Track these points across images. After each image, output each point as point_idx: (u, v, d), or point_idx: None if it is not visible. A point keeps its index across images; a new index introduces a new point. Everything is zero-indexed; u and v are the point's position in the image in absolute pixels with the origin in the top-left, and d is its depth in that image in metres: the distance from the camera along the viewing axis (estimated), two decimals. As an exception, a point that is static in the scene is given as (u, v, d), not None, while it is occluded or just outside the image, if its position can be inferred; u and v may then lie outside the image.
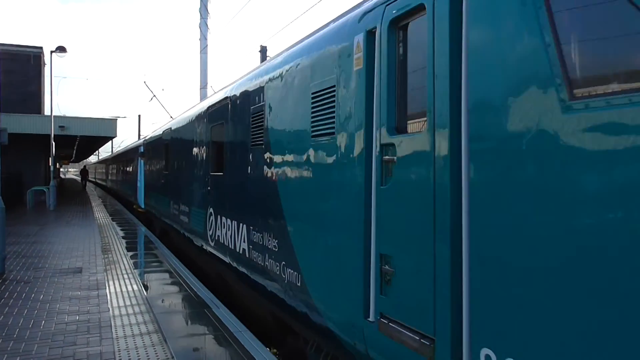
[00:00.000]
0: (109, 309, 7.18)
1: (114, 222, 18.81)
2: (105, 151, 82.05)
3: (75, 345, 5.69)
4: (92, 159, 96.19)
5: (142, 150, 20.64)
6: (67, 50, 25.14)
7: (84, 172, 53.51)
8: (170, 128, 13.93)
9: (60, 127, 27.83)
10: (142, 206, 20.09)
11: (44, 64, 36.89)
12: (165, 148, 14.68)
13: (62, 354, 5.42)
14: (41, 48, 35.68)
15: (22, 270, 9.80)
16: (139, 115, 70.00)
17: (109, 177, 47.58)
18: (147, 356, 5.36)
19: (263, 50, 28.24)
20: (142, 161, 20.55)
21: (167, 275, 9.55)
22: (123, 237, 14.66)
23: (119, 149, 44.20)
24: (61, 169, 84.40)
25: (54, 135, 26.23)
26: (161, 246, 13.13)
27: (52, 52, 24.87)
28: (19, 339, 5.89)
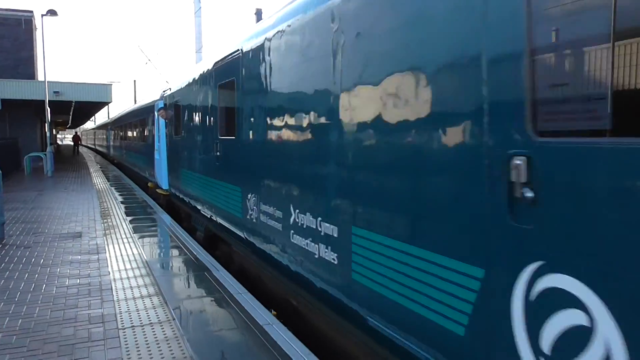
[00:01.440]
0: (109, 272, 7.22)
1: (112, 188, 18.79)
2: (103, 117, 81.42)
3: (76, 308, 5.73)
4: (89, 125, 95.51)
5: (160, 105, 14.15)
6: (58, 13, 24.62)
7: (75, 138, 54.20)
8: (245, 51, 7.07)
9: (55, 92, 27.53)
10: (165, 187, 14.12)
11: (35, 28, 36.19)
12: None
13: (64, 317, 5.47)
14: (32, 12, 34.92)
15: (22, 236, 9.82)
16: (134, 80, 69.32)
17: (112, 145, 38.53)
18: (149, 318, 5.41)
19: (258, 13, 27.73)
20: (161, 123, 14.45)
21: (166, 239, 9.59)
22: (122, 202, 14.66)
23: (122, 110, 32.24)
24: (58, 136, 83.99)
25: (49, 100, 25.94)
26: (160, 211, 13.15)
27: (42, 15, 24.35)
28: (21, 302, 5.93)
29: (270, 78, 5.94)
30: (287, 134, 5.52)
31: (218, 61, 8.30)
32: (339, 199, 4.45)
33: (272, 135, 5.95)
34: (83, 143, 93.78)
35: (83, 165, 31.93)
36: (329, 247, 4.62)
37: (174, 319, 5.36)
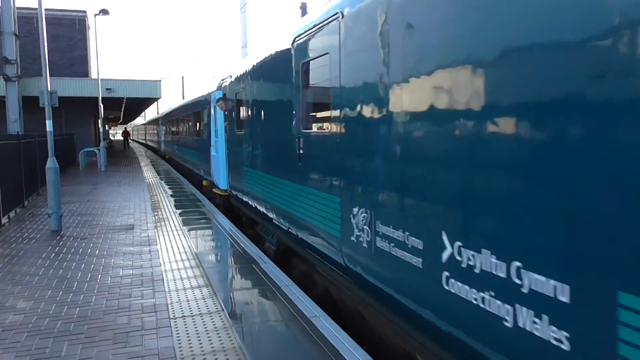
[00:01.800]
0: (160, 263, 7.43)
1: (162, 182, 19.30)
2: (153, 113, 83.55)
3: (130, 298, 5.93)
4: (139, 120, 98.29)
5: (218, 95, 12.40)
6: (110, 12, 25.40)
7: (125, 134, 56.62)
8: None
9: (107, 89, 28.48)
10: (224, 187, 12.22)
11: (89, 27, 37.47)
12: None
13: (119, 305, 5.66)
14: (85, 12, 36.17)
15: (78, 227, 10.22)
16: (182, 77, 70.84)
17: (163, 140, 36.06)
18: (199, 308, 5.53)
19: (303, 7, 27.78)
20: (219, 116, 12.50)
21: (215, 232, 9.78)
22: (171, 196, 15.04)
23: (173, 104, 29.69)
24: (110, 131, 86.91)
25: (102, 97, 26.85)
26: (208, 204, 13.41)
27: (95, 14, 25.19)
28: (78, 291, 6.18)
29: (404, 45, 3.92)
30: (438, 126, 3.52)
31: (301, 34, 6.37)
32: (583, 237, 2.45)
33: (406, 126, 3.93)
34: (134, 138, 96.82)
35: (134, 160, 32.93)
36: (546, 316, 2.63)
37: (222, 310, 5.47)
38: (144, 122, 77.58)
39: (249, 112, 9.13)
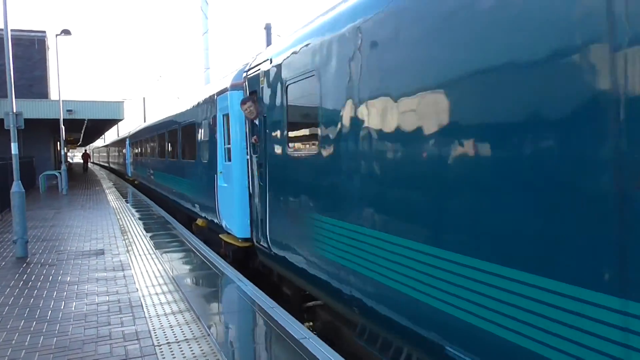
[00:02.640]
0: (137, 289, 7.20)
1: (128, 205, 18.84)
2: (112, 135, 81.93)
3: (109, 325, 5.71)
4: (99, 142, 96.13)
5: (234, 97, 8.66)
6: (72, 33, 24.92)
7: (85, 156, 55.54)
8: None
9: (68, 111, 27.78)
10: (243, 234, 8.55)
11: (48, 47, 36.64)
12: None
13: (98, 334, 5.44)
14: (44, 32, 35.37)
15: (45, 254, 9.84)
16: (144, 98, 69.92)
17: (133, 163, 29.93)
18: (183, 334, 5.37)
19: (268, 28, 27.92)
20: (236, 129, 8.67)
21: (190, 254, 9.57)
22: (140, 219, 14.69)
23: (149, 120, 23.04)
24: (68, 153, 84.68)
25: (63, 119, 26.17)
26: (179, 226, 13.15)
27: (57, 35, 24.66)
28: (53, 320, 5.92)
29: None
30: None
31: None
32: None
33: None
34: (95, 161, 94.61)
35: (96, 183, 32.11)
36: None
37: (209, 335, 5.32)
38: (106, 143, 73.59)
39: (338, 119, 5.02)
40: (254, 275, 8.57)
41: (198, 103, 11.79)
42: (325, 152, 5.28)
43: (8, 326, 5.78)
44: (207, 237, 11.51)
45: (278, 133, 6.62)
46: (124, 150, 36.56)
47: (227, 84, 9.09)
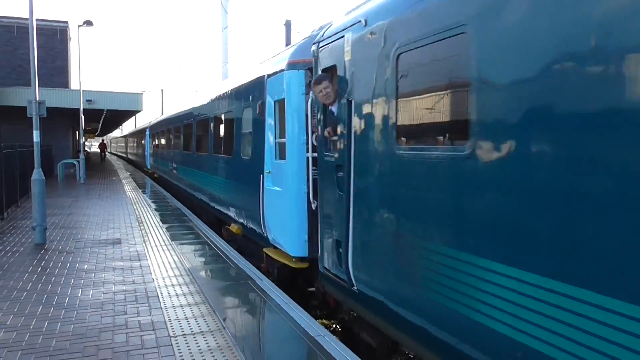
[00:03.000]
0: (153, 279, 7.24)
1: (144, 195, 18.98)
2: (130, 126, 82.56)
3: (126, 315, 5.74)
4: (117, 132, 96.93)
5: (300, 75, 7.05)
6: (94, 24, 25.14)
7: (102, 146, 56.43)
8: None
9: (87, 100, 28.03)
10: (299, 253, 6.96)
11: (70, 38, 37.01)
12: None
13: (115, 323, 5.47)
14: (67, 22, 35.74)
15: (63, 241, 9.94)
16: (162, 90, 70.40)
17: (153, 155, 27.90)
18: (199, 326, 5.38)
19: (288, 25, 27.90)
20: (290, 116, 7.12)
21: (205, 247, 9.60)
22: (156, 210, 14.78)
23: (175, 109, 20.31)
24: (86, 143, 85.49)
25: (82, 109, 26.44)
26: (195, 219, 13.20)
27: (79, 26, 24.90)
28: (70, 307, 5.97)
29: None
30: None
31: None
32: None
33: None
34: (113, 151, 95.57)
35: (113, 173, 32.40)
36: None
37: (224, 328, 5.32)
38: (125, 133, 72.23)
39: (521, 97, 3.10)
40: (302, 299, 7.11)
41: (238, 89, 9.82)
42: (488, 153, 3.29)
43: (26, 311, 5.84)
44: (241, 246, 9.94)
45: (378, 122, 4.63)
46: (143, 142, 34.23)
47: (283, 63, 7.24)
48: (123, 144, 69.85)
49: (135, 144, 44.29)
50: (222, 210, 10.93)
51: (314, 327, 5.37)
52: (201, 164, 13.39)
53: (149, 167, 30.23)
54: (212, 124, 12.31)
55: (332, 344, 4.93)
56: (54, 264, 8.07)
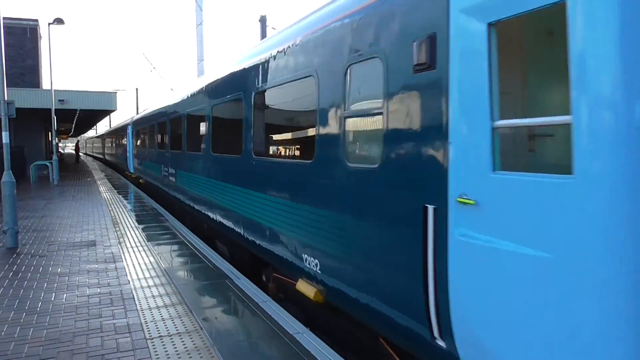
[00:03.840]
0: (129, 281, 7.13)
1: (120, 196, 18.71)
2: (104, 127, 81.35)
3: (100, 318, 5.64)
4: (91, 133, 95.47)
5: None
6: (65, 22, 24.64)
7: (77, 147, 56.36)
8: None
9: (60, 100, 27.52)
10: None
11: (41, 37, 36.25)
12: None
13: (89, 326, 5.37)
14: (37, 20, 34.99)
15: (36, 244, 9.73)
16: (137, 89, 69.46)
17: (138, 155, 22.74)
18: (176, 327, 5.31)
19: (263, 20, 27.74)
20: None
21: (182, 247, 9.49)
22: (132, 210, 14.58)
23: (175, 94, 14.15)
24: (60, 144, 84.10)
25: (54, 109, 25.93)
26: (172, 219, 13.06)
27: (49, 24, 24.38)
28: (43, 312, 5.84)
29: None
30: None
31: None
32: None
33: None
34: (88, 152, 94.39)
35: (87, 174, 31.87)
36: None
37: (201, 329, 5.27)
38: (101, 132, 66.03)
39: None
40: None
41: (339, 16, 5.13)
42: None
43: (-3, 317, 5.70)
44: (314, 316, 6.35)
45: None
46: (124, 140, 29.49)
47: None
48: (99, 144, 64.69)
49: (112, 144, 39.67)
50: (274, 250, 6.58)
51: (293, 325, 5.35)
52: (223, 171, 8.97)
53: (131, 170, 26.05)
54: (248, 108, 7.52)
55: (310, 341, 4.91)
56: (27, 268, 7.89)
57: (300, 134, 6.60)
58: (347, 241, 4.75)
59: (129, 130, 26.02)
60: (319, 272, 5.33)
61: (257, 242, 7.13)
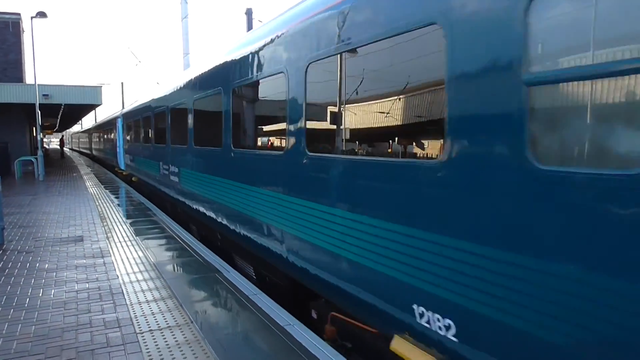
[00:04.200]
0: (117, 275, 7.08)
1: (107, 191, 18.55)
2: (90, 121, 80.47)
3: (89, 313, 5.60)
4: (77, 127, 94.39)
5: None
6: (47, 15, 24.28)
7: (61, 142, 57.13)
8: None
9: (44, 95, 27.12)
10: None
11: (23, 30, 35.69)
12: None
13: (78, 321, 5.33)
14: (19, 14, 34.42)
15: (22, 240, 9.62)
16: (122, 83, 68.77)
17: (128, 149, 21.28)
18: (166, 321, 5.29)
19: (249, 13, 27.54)
20: None
21: (171, 241, 9.44)
22: (119, 205, 14.46)
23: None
24: (44, 139, 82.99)
25: (39, 104, 25.58)
26: (160, 213, 12.97)
27: (32, 17, 23.99)
28: (31, 308, 5.78)
29: None
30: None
31: None
32: None
33: None
34: (75, 148, 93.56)
35: (73, 169, 31.54)
36: None
37: (192, 322, 5.25)
38: (86, 127, 62.27)
39: None
40: None
41: None
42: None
43: (-16, 314, 5.64)
44: None
45: None
46: (110, 135, 27.44)
47: None
48: (86, 139, 60.91)
49: (101, 139, 36.60)
50: (347, 289, 4.69)
51: (283, 317, 5.35)
52: (252, 172, 6.87)
53: (122, 167, 23.75)
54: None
55: (301, 332, 4.92)
56: (13, 265, 7.80)
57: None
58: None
59: (119, 124, 23.80)
60: (452, 337, 3.49)
61: (316, 272, 5.21)
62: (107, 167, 33.74)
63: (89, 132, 55.85)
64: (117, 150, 24.45)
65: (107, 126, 32.07)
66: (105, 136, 32.99)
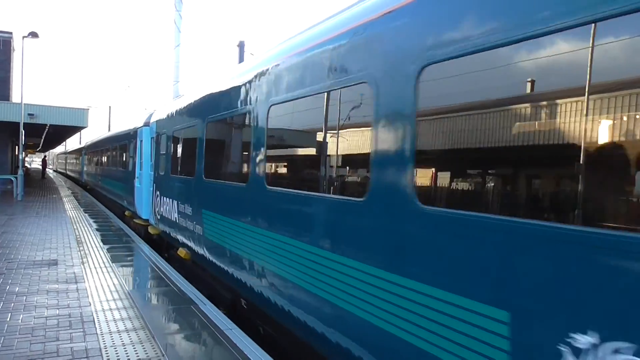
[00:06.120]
0: (90, 303, 6.90)
1: (86, 214, 18.27)
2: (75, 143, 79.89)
3: (58, 341, 5.43)
4: (60, 149, 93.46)
5: None
6: (39, 35, 24.32)
7: (44, 162, 57.09)
8: None
9: (29, 114, 26.93)
10: None
11: (14, 49, 35.69)
12: None
13: (45, 350, 5.16)
14: (11, 33, 34.48)
15: (-6, 262, 9.38)
16: (110, 106, 68.64)
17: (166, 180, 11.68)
18: (136, 353, 5.14)
19: (241, 45, 27.88)
20: None
21: (148, 269, 9.27)
22: (97, 230, 14.23)
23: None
24: (26, 159, 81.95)
25: (23, 123, 25.37)
26: (138, 239, 12.78)
27: (24, 37, 24.02)
28: (-3, 333, 5.60)
29: None
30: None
31: None
32: None
33: None
34: (61, 170, 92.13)
35: (53, 190, 31.10)
36: None
37: (163, 355, 5.11)
38: (82, 144, 49.72)
39: None
40: None
41: None
42: None
43: (-53, 337, 5.43)
44: None
45: None
46: (124, 157, 18.18)
47: None
48: (74, 160, 52.04)
49: (103, 162, 26.43)
50: None
51: (256, 353, 5.24)
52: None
53: (146, 216, 14.09)
54: None
55: (275, 371, 4.81)
56: (-18, 286, 7.58)
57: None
58: None
59: (143, 139, 14.89)
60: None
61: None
62: (106, 201, 24.19)
63: (81, 151, 43.14)
64: (136, 182, 15.38)
65: (113, 143, 21.94)
66: (112, 158, 22.70)
